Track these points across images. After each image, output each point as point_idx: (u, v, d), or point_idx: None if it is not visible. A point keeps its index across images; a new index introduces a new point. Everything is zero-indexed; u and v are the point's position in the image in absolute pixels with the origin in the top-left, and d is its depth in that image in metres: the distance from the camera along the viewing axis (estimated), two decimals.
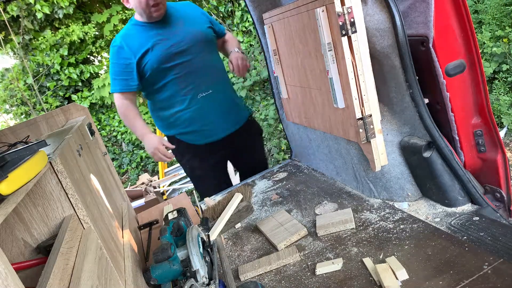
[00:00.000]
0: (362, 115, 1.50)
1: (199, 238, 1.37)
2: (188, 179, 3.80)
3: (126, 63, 2.10)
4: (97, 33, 7.32)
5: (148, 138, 2.16)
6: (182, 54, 2.11)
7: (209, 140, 2.29)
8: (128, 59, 2.09)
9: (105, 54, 7.82)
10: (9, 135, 1.59)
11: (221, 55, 2.47)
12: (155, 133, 2.60)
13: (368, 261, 1.37)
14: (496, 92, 3.21)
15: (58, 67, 7.05)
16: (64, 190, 0.97)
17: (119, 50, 2.11)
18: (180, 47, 2.11)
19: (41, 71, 7.04)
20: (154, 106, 2.29)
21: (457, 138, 1.53)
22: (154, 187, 4.47)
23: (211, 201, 2.17)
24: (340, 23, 1.38)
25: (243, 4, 6.31)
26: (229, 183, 2.51)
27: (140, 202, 3.59)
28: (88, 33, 6.93)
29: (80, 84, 7.33)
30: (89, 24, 7.07)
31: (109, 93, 6.83)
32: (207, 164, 2.37)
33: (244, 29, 6.06)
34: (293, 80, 2.00)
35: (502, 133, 3.05)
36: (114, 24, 6.94)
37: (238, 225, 1.90)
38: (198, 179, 2.43)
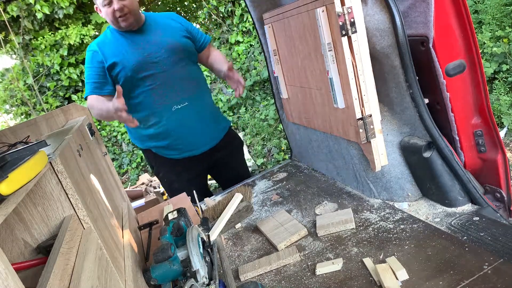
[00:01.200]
0: (362, 115, 1.50)
1: (199, 238, 1.37)
2: None
3: (100, 66, 2.07)
4: (97, 33, 7.32)
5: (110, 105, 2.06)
6: (158, 64, 2.07)
7: (187, 155, 2.24)
8: (101, 63, 2.06)
9: None
10: (9, 135, 1.59)
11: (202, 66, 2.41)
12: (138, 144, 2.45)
13: (368, 261, 1.37)
14: (496, 92, 3.21)
15: (58, 67, 7.05)
16: (64, 190, 0.97)
17: (94, 54, 2.08)
18: (156, 57, 2.06)
19: (41, 71, 7.04)
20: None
21: (457, 138, 1.53)
22: (154, 187, 4.47)
23: (211, 201, 2.17)
24: (340, 23, 1.38)
25: (243, 4, 6.31)
26: (209, 195, 2.45)
27: (140, 202, 3.59)
28: (86, 36, 6.91)
29: (80, 84, 7.33)
30: (88, 25, 7.06)
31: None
32: (186, 178, 2.31)
33: (244, 29, 6.06)
34: (293, 80, 2.00)
35: (502, 133, 3.05)
36: None
37: (238, 225, 1.90)
38: (176, 192, 2.30)
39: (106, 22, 7.69)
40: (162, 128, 2.16)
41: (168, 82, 2.09)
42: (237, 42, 6.22)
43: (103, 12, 2.04)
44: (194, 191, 2.02)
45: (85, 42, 7.01)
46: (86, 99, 2.12)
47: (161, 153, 2.24)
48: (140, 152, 6.62)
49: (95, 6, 2.09)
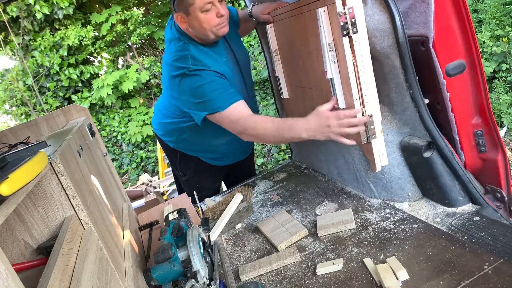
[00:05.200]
0: (363, 115, 1.50)
1: (200, 239, 1.37)
2: None
3: (222, 78, 1.77)
4: (96, 33, 7.32)
5: (311, 122, 1.52)
6: (242, 81, 1.96)
7: (235, 161, 2.26)
8: (220, 76, 1.78)
9: (105, 55, 7.82)
10: (10, 136, 1.59)
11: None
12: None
13: (368, 262, 1.37)
14: (496, 92, 3.21)
15: (58, 68, 7.05)
16: (65, 190, 0.97)
17: (207, 72, 1.74)
18: (239, 74, 1.94)
19: (41, 71, 7.04)
20: (195, 133, 2.01)
21: (457, 138, 1.53)
22: (154, 187, 4.47)
23: (211, 201, 2.17)
24: (342, 23, 1.38)
25: (243, 4, 6.31)
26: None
27: (141, 202, 3.58)
28: (85, 37, 6.91)
29: (80, 84, 7.34)
30: (87, 26, 7.06)
31: (108, 95, 6.79)
32: (219, 183, 2.36)
33: None
34: (294, 80, 2.00)
35: (502, 133, 3.06)
36: (112, 24, 6.94)
37: (238, 226, 1.90)
38: (203, 198, 2.25)
39: (105, 22, 7.58)
40: (235, 147, 2.14)
41: (248, 100, 1.87)
42: None
43: (197, 20, 1.72)
44: (195, 192, 2.02)
45: (83, 43, 7.01)
46: (220, 111, 1.66)
47: (208, 161, 2.20)
48: (140, 152, 6.62)
49: (175, 15, 1.77)
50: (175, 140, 2.16)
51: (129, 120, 7.05)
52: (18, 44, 6.93)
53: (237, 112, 1.67)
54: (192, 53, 1.78)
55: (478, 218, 1.43)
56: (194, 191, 2.02)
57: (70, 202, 0.98)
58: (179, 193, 2.44)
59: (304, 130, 1.52)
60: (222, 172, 2.36)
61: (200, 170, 2.23)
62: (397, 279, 1.24)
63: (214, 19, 1.72)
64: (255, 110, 2.06)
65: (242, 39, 2.21)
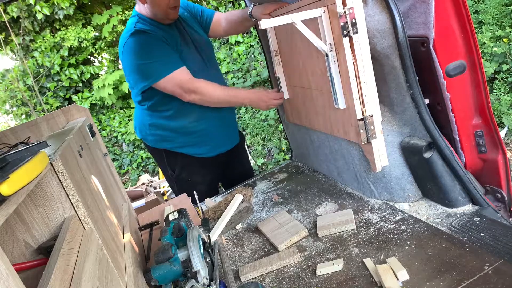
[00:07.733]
0: (363, 115, 1.50)
1: (200, 239, 1.37)
2: None
3: (170, 48, 1.91)
4: (96, 33, 7.33)
5: (254, 97, 2.01)
6: (203, 61, 2.05)
7: (217, 152, 2.24)
8: (171, 46, 1.92)
9: (105, 55, 7.83)
10: (10, 136, 1.59)
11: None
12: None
13: (368, 262, 1.37)
14: (496, 92, 3.21)
15: (58, 68, 7.06)
16: (65, 191, 0.97)
17: (160, 41, 1.89)
18: (196, 55, 2.04)
19: (41, 71, 7.05)
20: (154, 115, 2.12)
21: (457, 138, 1.53)
22: (155, 188, 4.47)
23: (211, 202, 2.17)
24: (342, 24, 1.38)
25: (243, 5, 6.31)
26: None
27: (141, 202, 3.58)
28: (85, 39, 6.92)
29: (80, 84, 7.34)
30: (88, 27, 7.07)
31: (109, 95, 6.79)
32: (209, 178, 2.32)
33: None
34: (294, 80, 2.00)
35: (502, 133, 3.05)
36: (113, 25, 6.94)
37: (238, 226, 1.90)
38: (199, 195, 2.25)
39: (107, 23, 7.59)
40: (202, 126, 2.12)
41: (214, 80, 2.04)
42: (237, 43, 6.23)
43: (150, 1, 1.90)
44: (195, 192, 2.02)
45: (82, 45, 7.01)
46: (160, 78, 1.84)
47: (188, 152, 2.19)
48: (141, 152, 6.62)
49: None
50: (152, 133, 2.18)
51: (129, 120, 7.05)
52: (19, 44, 6.94)
53: (182, 75, 1.89)
54: (139, 20, 1.96)
55: (478, 219, 1.43)
56: (194, 192, 2.02)
57: (71, 202, 0.98)
58: (176, 195, 2.43)
59: (247, 99, 2.05)
60: (212, 165, 2.29)
61: (187, 163, 2.23)
62: (398, 279, 1.24)
63: (169, 2, 1.89)
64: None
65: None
